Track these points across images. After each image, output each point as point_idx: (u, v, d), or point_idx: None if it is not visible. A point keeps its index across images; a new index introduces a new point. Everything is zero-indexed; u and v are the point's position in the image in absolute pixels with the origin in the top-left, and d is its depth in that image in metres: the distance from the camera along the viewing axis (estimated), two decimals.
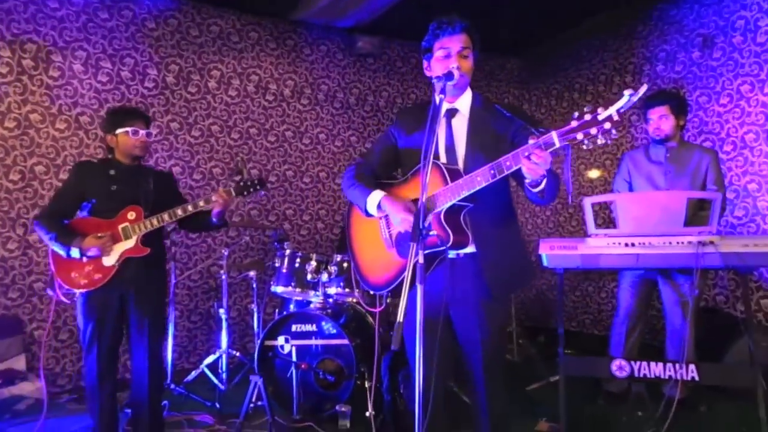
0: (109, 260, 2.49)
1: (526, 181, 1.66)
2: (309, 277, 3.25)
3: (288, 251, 3.38)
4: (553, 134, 1.51)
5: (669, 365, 2.61)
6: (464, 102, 1.96)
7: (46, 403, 2.70)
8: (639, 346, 3.15)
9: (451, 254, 1.88)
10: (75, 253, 2.42)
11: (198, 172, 4.45)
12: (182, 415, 3.10)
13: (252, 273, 3.85)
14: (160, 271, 2.73)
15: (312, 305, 3.41)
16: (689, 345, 2.85)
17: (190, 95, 4.44)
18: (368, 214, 1.95)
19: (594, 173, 5.31)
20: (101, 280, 2.47)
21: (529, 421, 3.05)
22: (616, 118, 1.42)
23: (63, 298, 2.47)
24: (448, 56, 1.89)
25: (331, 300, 3.32)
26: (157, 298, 2.68)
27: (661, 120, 3.04)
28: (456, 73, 1.82)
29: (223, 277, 3.61)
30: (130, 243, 2.52)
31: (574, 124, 1.48)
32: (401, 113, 2.10)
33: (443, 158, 1.91)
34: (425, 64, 2.01)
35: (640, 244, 2.59)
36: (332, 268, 3.25)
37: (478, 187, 1.70)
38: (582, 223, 5.12)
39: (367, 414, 3.02)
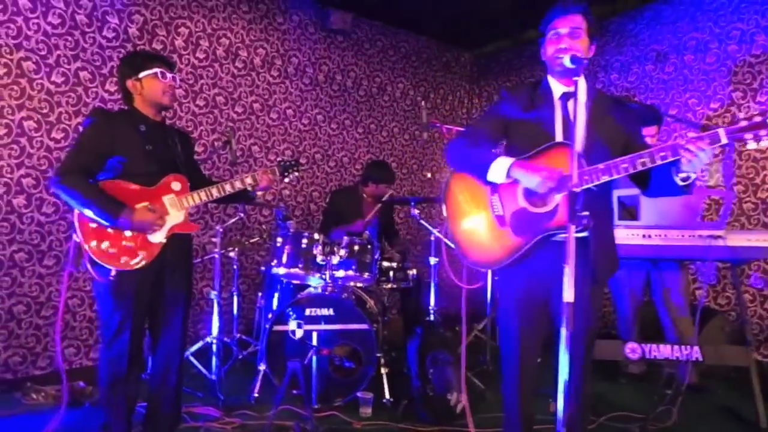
0: (157, 236, 2.15)
1: (680, 175, 1.71)
2: (319, 259, 3.07)
3: (292, 231, 3.15)
4: (721, 131, 1.58)
5: (676, 347, 2.86)
6: (580, 87, 1.97)
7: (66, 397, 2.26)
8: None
9: (559, 237, 1.89)
10: (125, 225, 2.06)
11: None
12: None
13: (232, 253, 3.54)
14: (190, 244, 2.44)
15: (312, 289, 3.23)
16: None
17: (155, 52, 3.94)
18: (487, 182, 1.88)
19: None
20: (147, 257, 2.11)
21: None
22: None
23: (96, 275, 2.06)
24: (558, 36, 1.90)
25: (337, 283, 3.16)
26: (190, 272, 2.40)
27: (652, 139, 3.29)
28: (577, 53, 1.82)
29: (216, 256, 3.27)
30: (178, 217, 2.20)
31: (743, 123, 1.55)
32: (511, 91, 2.04)
33: (559, 140, 1.91)
34: (542, 50, 2.00)
35: (656, 236, 2.81)
36: (342, 251, 3.10)
37: (621, 175, 1.72)
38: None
39: (384, 401, 2.95)
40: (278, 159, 2.58)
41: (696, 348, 2.82)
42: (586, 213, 1.70)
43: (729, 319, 3.79)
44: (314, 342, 2.83)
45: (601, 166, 1.75)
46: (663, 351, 2.86)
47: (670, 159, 1.67)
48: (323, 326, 2.95)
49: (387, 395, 2.95)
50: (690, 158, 1.62)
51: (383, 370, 3.00)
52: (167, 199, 2.19)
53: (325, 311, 2.93)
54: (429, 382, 2.78)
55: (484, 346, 3.76)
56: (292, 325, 2.88)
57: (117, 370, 2.16)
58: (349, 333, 2.92)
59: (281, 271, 3.15)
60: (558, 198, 1.81)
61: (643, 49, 4.75)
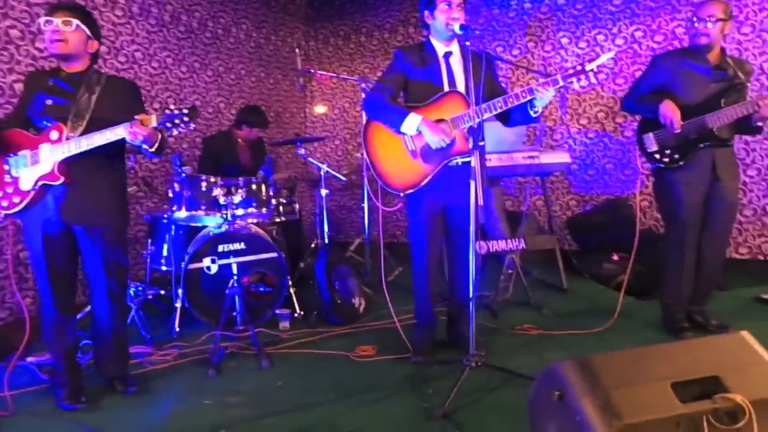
0: (25, 184, 2.23)
1: (534, 108, 2.41)
2: (221, 200, 3.31)
3: (189, 174, 3.31)
4: (559, 77, 2.30)
5: (509, 240, 3.83)
6: (455, 47, 2.57)
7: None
8: None
9: (453, 162, 2.52)
10: None
11: None
12: None
13: None
14: (116, 198, 2.42)
15: (211, 229, 3.46)
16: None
17: None
18: (399, 132, 2.40)
19: (320, 108, 6.36)
20: (20, 203, 2.24)
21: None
22: (595, 70, 2.28)
23: None
24: (450, 6, 2.45)
25: (236, 221, 3.44)
26: (114, 229, 2.39)
27: None
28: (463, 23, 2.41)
29: None
30: (46, 167, 2.21)
31: (571, 71, 2.29)
32: (404, 51, 2.53)
33: (447, 89, 2.50)
34: (426, 14, 2.52)
35: (495, 159, 3.68)
36: (241, 190, 3.38)
37: (498, 111, 2.38)
38: None
39: (296, 315, 3.43)
40: (166, 108, 2.18)
41: (521, 239, 3.83)
42: (483, 143, 2.37)
43: (535, 217, 5.02)
44: (234, 272, 3.13)
45: (484, 105, 2.38)
46: (500, 244, 3.80)
47: (529, 97, 2.36)
48: (236, 259, 3.25)
49: (298, 309, 3.44)
50: (540, 96, 2.33)
51: (292, 290, 3.46)
52: (43, 148, 2.22)
53: (236, 246, 3.23)
54: (336, 292, 3.32)
55: (361, 264, 4.42)
56: (206, 261, 3.14)
57: (46, 310, 2.33)
58: (261, 262, 3.28)
59: (182, 214, 3.32)
60: (455, 133, 2.43)
61: None
